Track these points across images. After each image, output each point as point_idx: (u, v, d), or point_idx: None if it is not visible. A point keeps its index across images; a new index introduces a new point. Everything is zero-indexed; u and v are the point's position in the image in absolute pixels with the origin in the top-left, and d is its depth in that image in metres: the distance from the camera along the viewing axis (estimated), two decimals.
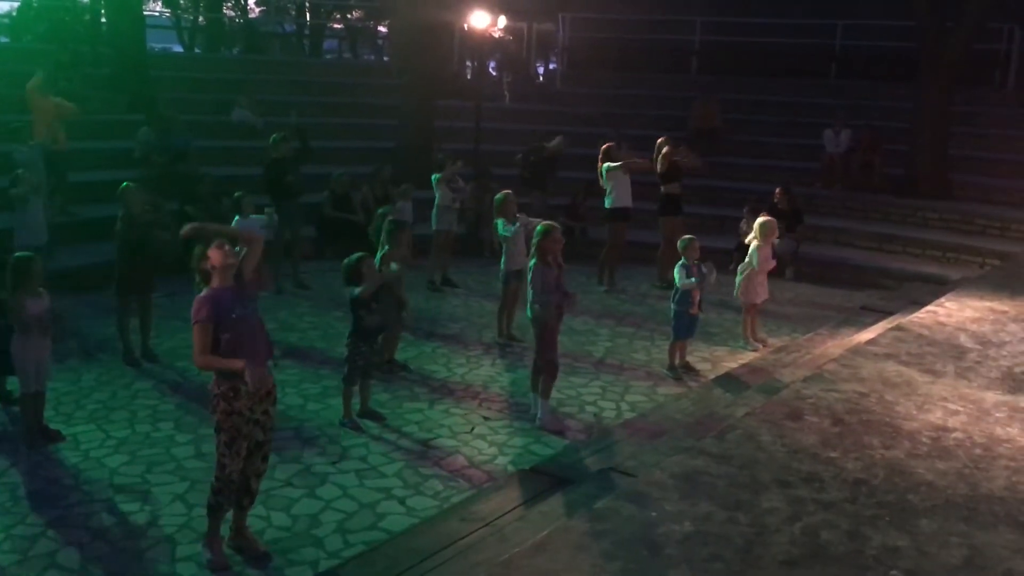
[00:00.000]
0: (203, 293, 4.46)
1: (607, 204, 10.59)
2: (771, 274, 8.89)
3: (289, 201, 9.99)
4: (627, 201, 10.51)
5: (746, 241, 8.53)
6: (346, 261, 6.43)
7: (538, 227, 6.29)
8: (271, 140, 10.16)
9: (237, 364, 4.31)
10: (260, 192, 10.17)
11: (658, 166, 10.70)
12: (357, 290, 6.31)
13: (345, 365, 6.44)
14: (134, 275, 7.43)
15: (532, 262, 6.26)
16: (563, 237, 6.34)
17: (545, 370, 6.44)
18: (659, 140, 10.92)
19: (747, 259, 8.50)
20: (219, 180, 11.74)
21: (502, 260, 8.40)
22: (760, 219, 8.56)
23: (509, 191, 8.52)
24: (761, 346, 8.50)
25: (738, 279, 8.52)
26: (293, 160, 10.25)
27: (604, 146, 10.67)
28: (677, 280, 7.53)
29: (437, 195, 10.38)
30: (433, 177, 10.46)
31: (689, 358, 7.89)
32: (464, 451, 6.02)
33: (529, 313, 6.36)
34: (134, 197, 7.44)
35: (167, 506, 5.17)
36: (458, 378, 7.47)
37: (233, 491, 4.56)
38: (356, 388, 6.45)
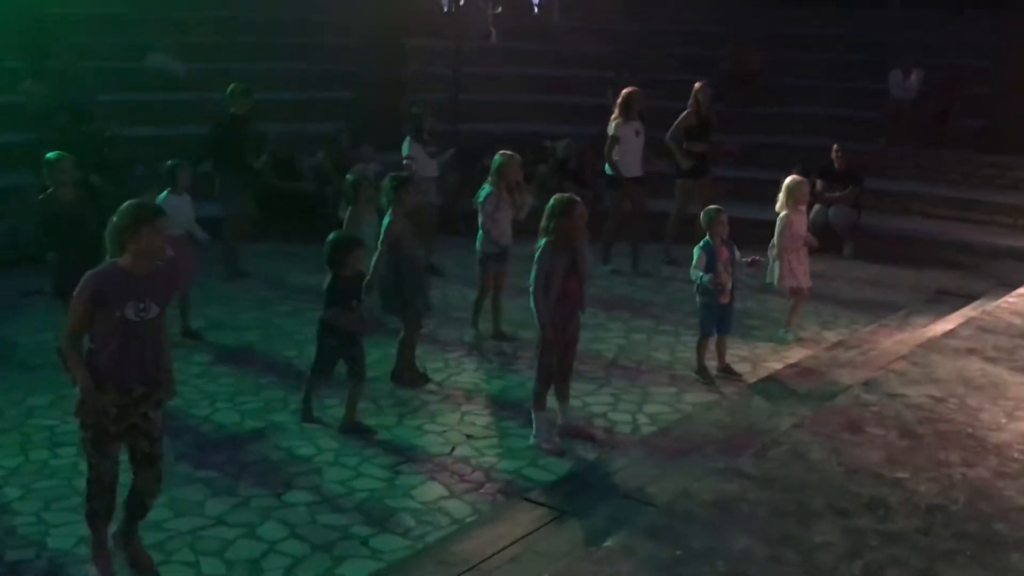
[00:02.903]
0: (99, 268, 4.46)
1: (608, 170, 10.64)
2: (824, 251, 8.86)
3: (240, 172, 9.97)
4: (635, 169, 10.52)
5: (777, 209, 8.49)
6: (332, 237, 6.50)
7: (553, 201, 6.22)
8: (228, 91, 10.05)
9: (82, 377, 4.44)
10: (204, 155, 10.11)
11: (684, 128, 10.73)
12: (327, 282, 6.37)
13: (315, 363, 6.63)
14: (71, 269, 7.33)
15: (543, 243, 6.19)
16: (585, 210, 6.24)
17: (537, 375, 6.41)
18: (696, 86, 10.89)
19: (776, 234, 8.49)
20: (132, 143, 11.70)
21: (478, 237, 8.34)
22: (788, 180, 8.53)
23: (514, 154, 8.47)
24: (793, 336, 8.52)
25: (772, 260, 8.49)
26: (252, 119, 10.18)
27: (625, 91, 10.62)
28: (694, 267, 7.49)
29: (412, 163, 10.30)
30: (405, 141, 10.41)
31: (726, 358, 7.86)
32: (442, 477, 5.99)
33: (532, 304, 6.30)
34: (64, 172, 7.24)
35: (70, 551, 5.13)
36: (434, 386, 7.45)
37: (108, 495, 4.71)
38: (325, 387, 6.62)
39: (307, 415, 6.68)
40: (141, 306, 4.47)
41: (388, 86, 14.04)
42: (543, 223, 6.22)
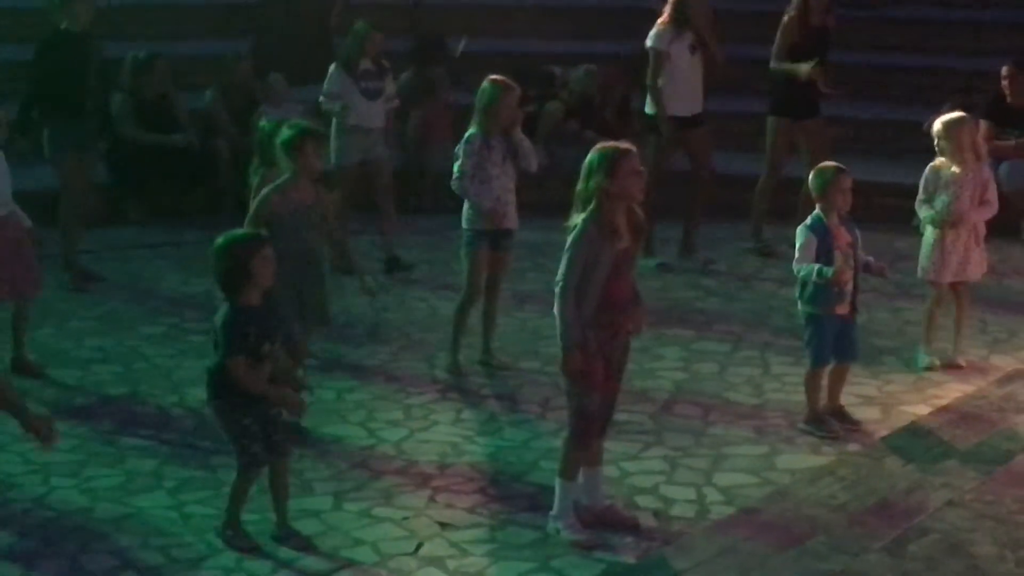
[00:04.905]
0: None
1: (648, 106, 10.72)
2: (992, 230, 8.84)
3: (76, 120, 9.99)
4: (690, 105, 10.64)
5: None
6: (221, 242, 6.28)
7: (593, 155, 6.23)
8: None
9: None
10: (31, 97, 10.10)
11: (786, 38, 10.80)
12: (224, 315, 6.21)
13: (236, 453, 6.32)
14: None
15: (580, 221, 6.18)
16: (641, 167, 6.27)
17: (571, 427, 6.40)
18: None
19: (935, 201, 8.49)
20: None
21: (464, 210, 8.38)
22: (945, 118, 8.54)
23: (510, 82, 8.47)
24: (929, 360, 8.55)
25: (926, 242, 8.51)
26: (91, 40, 10.19)
27: None
28: (798, 261, 7.45)
29: (339, 102, 10.41)
30: (331, 69, 10.51)
31: (840, 397, 7.84)
32: None
33: (557, 314, 6.30)
34: None
35: None
36: (389, 448, 7.46)
37: None
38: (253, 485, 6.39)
39: (239, 538, 6.33)
40: None
41: None
42: (579, 187, 6.22)
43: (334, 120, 10.47)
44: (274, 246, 7.06)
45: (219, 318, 6.19)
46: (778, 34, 10.93)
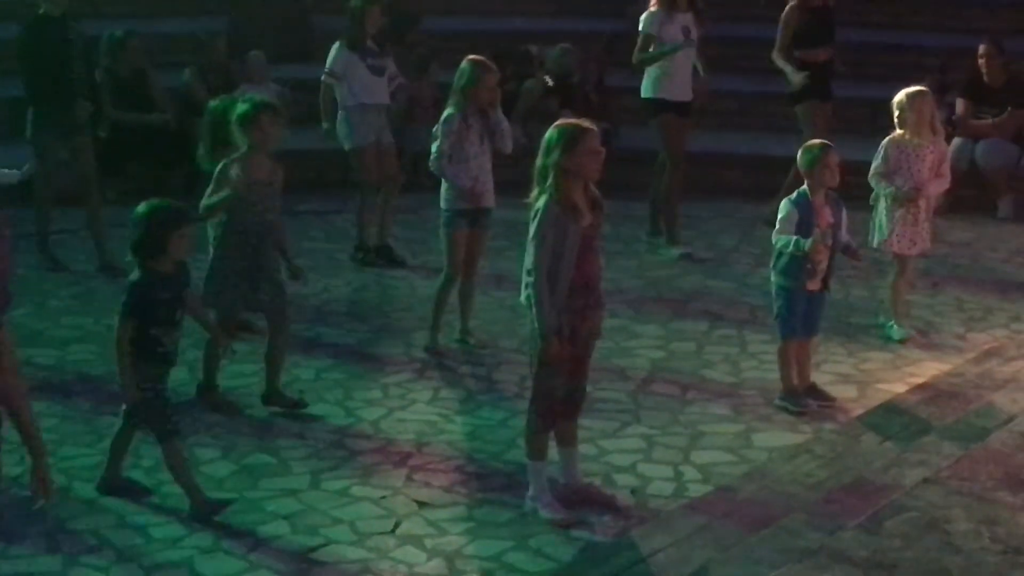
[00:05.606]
0: None
1: (646, 90, 10.69)
2: (968, 208, 8.86)
3: (60, 104, 9.96)
4: (681, 90, 10.64)
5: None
6: (144, 210, 6.38)
7: (552, 131, 6.22)
8: None
9: None
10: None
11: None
12: (134, 279, 6.29)
13: (159, 426, 6.37)
14: None
15: (542, 200, 6.16)
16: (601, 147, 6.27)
17: (533, 406, 6.40)
18: None
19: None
20: None
21: (442, 189, 8.38)
22: (908, 90, 8.64)
23: (487, 62, 8.46)
24: (904, 332, 8.64)
25: (882, 214, 8.60)
26: (71, 23, 10.13)
27: None
28: (778, 233, 7.51)
29: (341, 82, 10.35)
30: (335, 46, 10.41)
31: (816, 375, 7.90)
32: (379, 568, 5.97)
33: (523, 297, 6.30)
34: None
35: None
36: (367, 426, 7.46)
37: None
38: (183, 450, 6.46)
39: (210, 506, 6.38)
40: None
41: None
42: (537, 162, 6.19)
43: (339, 104, 10.34)
44: (230, 220, 7.36)
45: (129, 280, 6.32)
46: (780, 25, 10.93)
